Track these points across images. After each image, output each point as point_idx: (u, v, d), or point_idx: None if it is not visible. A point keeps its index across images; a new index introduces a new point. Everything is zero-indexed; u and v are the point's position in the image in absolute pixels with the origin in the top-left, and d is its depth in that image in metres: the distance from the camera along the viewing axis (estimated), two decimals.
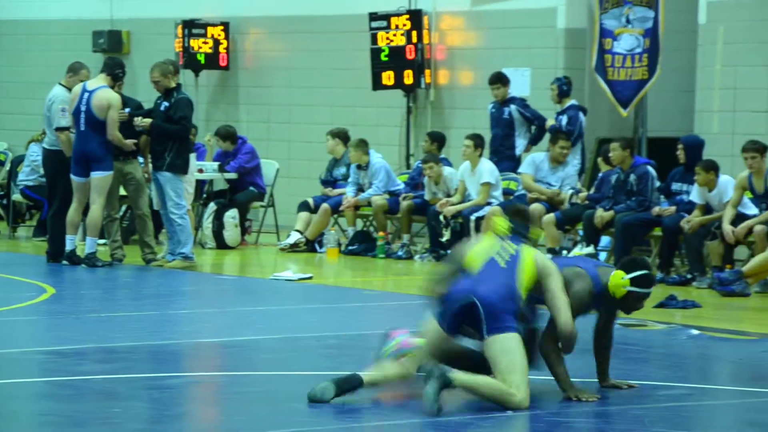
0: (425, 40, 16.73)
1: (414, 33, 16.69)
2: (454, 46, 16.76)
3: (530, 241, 7.48)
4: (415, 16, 16.73)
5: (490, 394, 7.02)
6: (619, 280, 7.28)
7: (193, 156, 14.20)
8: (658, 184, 13.43)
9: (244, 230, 15.98)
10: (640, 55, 14.95)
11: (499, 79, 15.17)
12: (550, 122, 14.80)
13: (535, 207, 13.97)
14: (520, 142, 15.07)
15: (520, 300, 7.14)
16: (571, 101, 14.76)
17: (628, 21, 15.02)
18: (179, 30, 18.34)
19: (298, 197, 16.13)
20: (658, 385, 7.66)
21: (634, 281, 7.27)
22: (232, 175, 16.01)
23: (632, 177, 13.37)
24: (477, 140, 14.58)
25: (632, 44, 15.00)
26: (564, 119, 14.63)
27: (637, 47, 14.97)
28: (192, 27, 18.32)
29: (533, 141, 15.09)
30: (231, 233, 15.62)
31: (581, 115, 14.72)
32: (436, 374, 6.94)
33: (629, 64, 15.00)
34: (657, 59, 14.84)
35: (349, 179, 15.66)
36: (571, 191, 14.12)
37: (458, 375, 7.04)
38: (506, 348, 7.02)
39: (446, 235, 14.53)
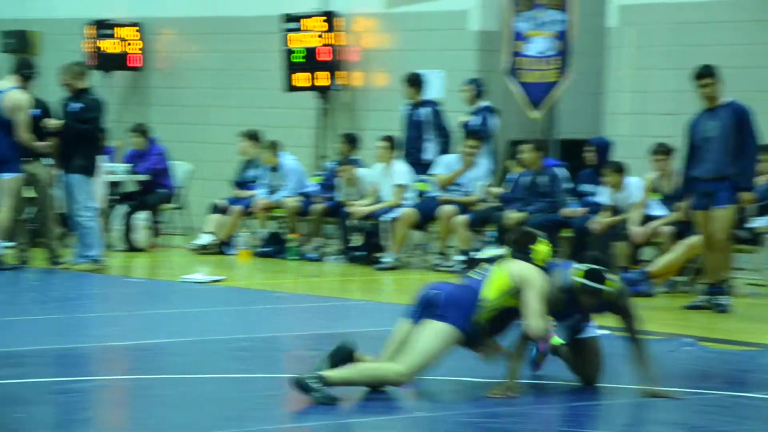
0: (339, 42, 16.74)
1: (327, 34, 16.69)
2: (367, 47, 16.78)
3: (535, 261, 7.56)
4: (329, 18, 16.73)
5: (368, 377, 7.28)
6: (577, 272, 7.39)
7: (103, 158, 14.05)
8: (568, 185, 13.56)
9: (155, 232, 15.86)
10: (551, 57, 15.09)
11: (412, 80, 15.22)
12: (462, 119, 14.83)
13: (447, 209, 14.04)
14: (430, 146, 15.10)
15: (482, 307, 7.34)
16: (483, 102, 14.84)
17: (539, 24, 15.16)
18: (90, 30, 18.17)
19: (210, 199, 16.06)
20: (567, 385, 7.72)
21: (585, 275, 7.36)
22: (143, 177, 15.90)
23: (543, 178, 13.49)
24: (390, 142, 14.62)
25: (544, 47, 15.14)
26: (477, 120, 14.71)
27: (548, 50, 15.11)
28: (103, 27, 18.17)
29: (442, 153, 15.12)
30: (141, 236, 15.50)
31: (494, 116, 14.81)
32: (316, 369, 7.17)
33: (541, 66, 15.13)
34: (568, 62, 14.99)
35: (262, 181, 15.62)
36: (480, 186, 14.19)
37: (331, 374, 7.18)
38: (431, 334, 7.29)
39: (359, 239, 14.56)
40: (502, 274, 7.45)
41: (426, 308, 7.46)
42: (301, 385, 7.13)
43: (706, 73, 10.97)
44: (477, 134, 14.48)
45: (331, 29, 16.68)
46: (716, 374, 8.27)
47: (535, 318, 7.31)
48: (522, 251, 7.60)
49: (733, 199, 10.95)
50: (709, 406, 7.28)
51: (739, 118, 10.91)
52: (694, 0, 14.14)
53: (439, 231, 14.33)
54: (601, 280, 7.36)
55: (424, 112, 15.08)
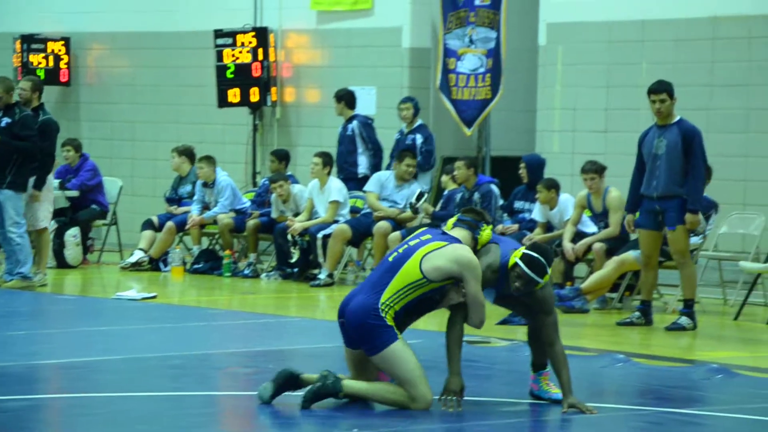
0: (271, 58, 16.71)
1: (260, 50, 16.66)
2: (300, 63, 16.77)
3: (477, 239, 7.47)
4: (261, 34, 16.70)
5: (391, 399, 7.28)
6: (518, 254, 7.38)
7: (51, 175, 13.86)
8: (501, 202, 13.62)
9: (86, 249, 15.72)
10: (483, 74, 15.15)
11: (342, 96, 15.23)
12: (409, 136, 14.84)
13: (381, 225, 14.04)
14: (363, 160, 15.11)
15: (385, 311, 7.27)
16: (419, 121, 14.88)
17: (471, 41, 15.22)
18: (18, 45, 18.00)
19: (142, 215, 15.94)
20: (501, 401, 7.74)
21: (525, 258, 7.34)
22: (74, 193, 15.75)
23: (476, 195, 13.54)
24: (325, 158, 14.60)
25: (475, 64, 15.20)
26: (419, 138, 14.70)
27: (480, 67, 15.17)
28: (31, 42, 18.00)
29: (374, 168, 15.11)
30: (72, 252, 15.35)
31: (431, 134, 14.85)
32: (328, 380, 7.26)
33: (473, 83, 15.19)
34: (500, 79, 15.06)
35: (195, 197, 15.54)
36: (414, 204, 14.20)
37: (349, 383, 7.27)
38: (392, 362, 7.24)
39: (295, 256, 14.52)
40: (441, 257, 7.32)
41: (354, 340, 7.39)
42: (323, 378, 7.25)
43: (662, 89, 10.99)
44: (413, 152, 14.51)
45: (263, 45, 16.65)
46: (649, 390, 8.33)
47: (476, 309, 7.30)
48: (472, 222, 7.51)
49: (682, 219, 10.96)
50: (642, 422, 7.32)
51: (688, 138, 10.92)
52: (622, 19, 14.28)
53: (373, 247, 14.32)
54: (542, 272, 7.36)
55: (353, 126, 15.10)
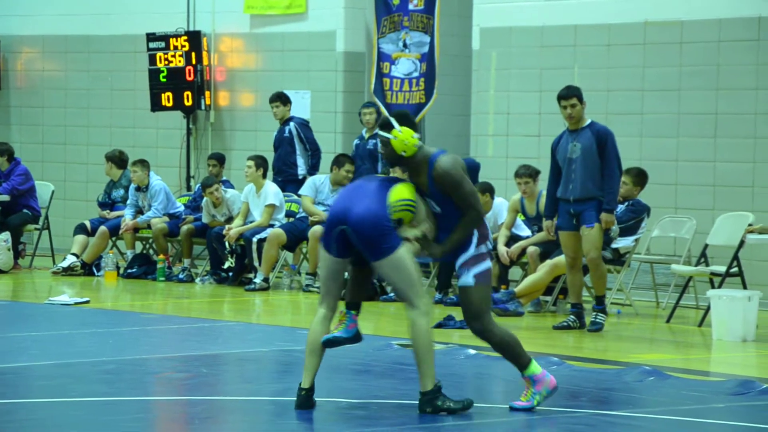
0: (204, 62, 16.65)
1: (193, 54, 16.60)
2: (233, 67, 16.73)
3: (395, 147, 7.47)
4: (194, 38, 16.64)
5: (428, 344, 7.34)
6: (409, 138, 7.41)
7: None
8: None
9: (18, 254, 15.57)
10: (417, 79, 15.20)
11: (279, 98, 15.20)
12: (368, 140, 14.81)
13: (316, 230, 14.03)
14: (301, 162, 15.10)
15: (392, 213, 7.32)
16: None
17: (405, 45, 15.27)
18: None
19: (75, 220, 15.83)
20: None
21: (379, 125, 7.51)
22: (5, 198, 15.59)
23: None
24: (259, 161, 14.56)
25: (409, 68, 15.25)
26: (380, 145, 14.65)
27: (414, 71, 15.22)
28: None
29: (313, 168, 15.10)
30: (3, 257, 15.20)
31: None
32: (435, 405, 7.33)
33: (407, 87, 15.23)
34: (434, 83, 15.12)
35: (128, 201, 15.44)
36: None
37: (426, 379, 7.31)
38: (394, 266, 7.29)
39: (229, 262, 14.48)
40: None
41: (344, 241, 7.38)
42: (439, 411, 7.31)
43: (571, 94, 11.13)
44: (375, 157, 14.50)
45: (196, 49, 16.59)
46: (582, 393, 8.38)
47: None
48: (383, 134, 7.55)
49: (599, 218, 11.12)
50: (575, 424, 7.37)
51: (602, 140, 11.09)
52: (553, 24, 14.38)
53: (309, 251, 14.30)
54: (388, 128, 7.44)
55: (290, 127, 15.08)
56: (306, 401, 7.49)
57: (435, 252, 7.46)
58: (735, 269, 11.69)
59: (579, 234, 11.20)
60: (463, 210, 7.41)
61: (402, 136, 7.43)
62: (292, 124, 15.11)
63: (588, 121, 11.16)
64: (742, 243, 11.53)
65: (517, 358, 7.49)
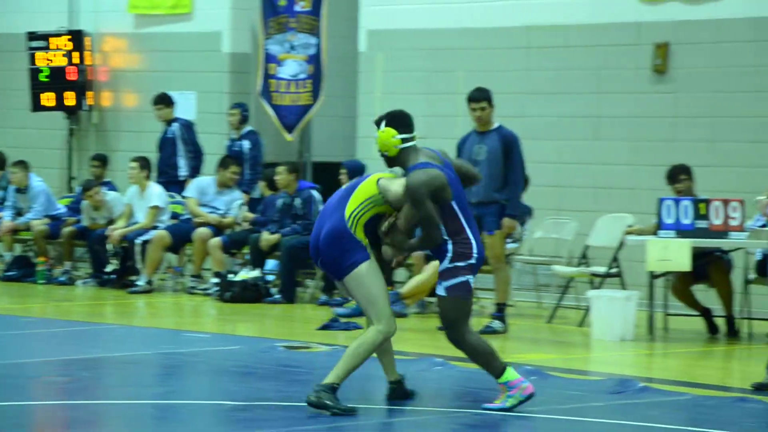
0: (87, 62, 16.49)
1: (75, 54, 16.42)
2: (117, 67, 16.59)
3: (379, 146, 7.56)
4: (76, 37, 16.47)
5: (363, 355, 7.44)
6: (389, 138, 7.49)
7: None
8: (322, 207, 13.66)
9: None
10: (304, 80, 15.22)
11: (162, 100, 15.11)
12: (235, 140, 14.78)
13: (201, 231, 13.98)
14: (183, 163, 15.02)
15: (353, 225, 7.44)
16: (248, 127, 14.83)
17: (292, 47, 15.28)
18: None
19: None
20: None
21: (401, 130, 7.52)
22: None
23: (297, 201, 13.58)
24: (143, 162, 14.46)
25: (296, 70, 15.26)
26: (246, 144, 14.64)
27: (301, 73, 15.24)
28: None
29: (194, 170, 15.04)
30: None
31: (261, 140, 14.82)
32: (322, 398, 7.36)
33: (294, 89, 15.25)
34: (321, 85, 15.16)
35: (7, 203, 15.24)
36: (237, 214, 14.20)
37: (332, 374, 7.40)
38: (357, 283, 7.45)
39: (112, 265, 14.36)
40: (372, 181, 7.55)
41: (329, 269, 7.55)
42: (319, 405, 7.33)
43: (481, 97, 11.17)
44: (240, 158, 14.47)
45: (78, 48, 16.42)
46: (465, 393, 8.47)
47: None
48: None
49: (500, 224, 11.18)
50: (458, 424, 7.45)
51: (508, 145, 11.14)
52: (440, 27, 14.50)
53: (193, 253, 14.24)
54: (377, 126, 7.54)
55: (174, 128, 15.01)
56: (397, 392, 7.70)
57: (398, 242, 7.50)
58: (614, 270, 11.90)
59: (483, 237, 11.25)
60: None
61: (383, 136, 7.51)
62: (175, 125, 15.04)
63: (496, 125, 11.21)
64: (621, 244, 11.74)
65: (490, 366, 7.58)
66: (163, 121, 15.13)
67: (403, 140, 7.52)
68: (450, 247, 7.42)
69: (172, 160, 15.02)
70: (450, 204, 7.43)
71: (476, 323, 11.69)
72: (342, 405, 7.38)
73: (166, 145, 15.05)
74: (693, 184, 11.58)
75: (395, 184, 7.52)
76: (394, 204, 7.51)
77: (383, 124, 7.58)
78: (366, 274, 7.44)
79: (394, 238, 7.51)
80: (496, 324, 11.29)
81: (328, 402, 7.36)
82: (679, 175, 11.56)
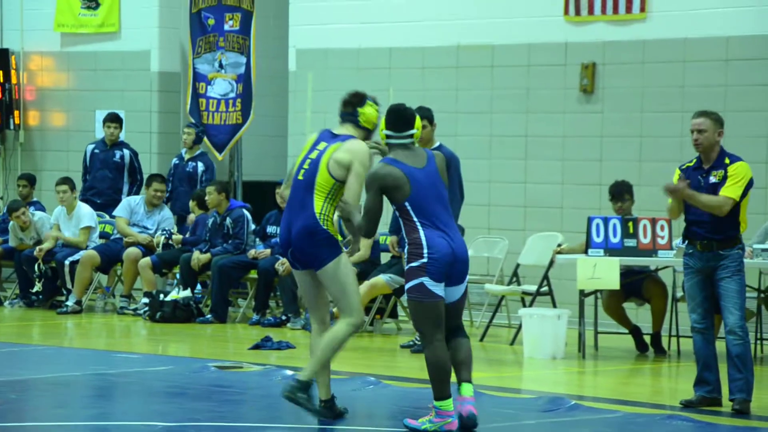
0: (13, 80, 16.35)
1: (0, 73, 16.28)
2: (44, 86, 16.46)
3: (362, 123, 7.74)
4: (2, 56, 16.33)
5: (336, 348, 7.62)
6: (371, 118, 7.71)
7: None
8: (253, 227, 13.65)
9: None
10: (234, 99, 15.20)
11: (117, 119, 15.01)
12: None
13: (131, 251, 13.88)
14: (126, 189, 14.93)
15: (324, 222, 7.57)
16: (200, 149, 14.69)
17: (221, 66, 15.25)
18: None
19: None
20: (253, 426, 7.76)
21: (387, 127, 7.59)
22: None
23: (228, 220, 13.53)
24: (71, 184, 14.36)
25: (226, 89, 15.24)
26: (200, 166, 14.50)
27: (230, 92, 15.21)
28: None
29: (137, 190, 14.96)
30: None
31: (212, 162, 14.71)
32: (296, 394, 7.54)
33: (223, 108, 15.22)
34: (250, 104, 15.14)
35: None
36: (164, 234, 14.11)
37: (305, 371, 7.57)
38: (329, 277, 7.60)
39: (38, 286, 14.20)
40: (325, 162, 7.62)
41: (303, 262, 7.65)
42: (292, 400, 7.51)
43: (422, 116, 11.17)
44: (194, 179, 14.35)
45: (4, 67, 16.27)
46: (398, 411, 8.46)
47: (352, 194, 7.54)
48: (350, 113, 7.78)
49: None
50: None
51: (447, 163, 11.12)
52: (370, 46, 14.54)
53: (123, 273, 14.14)
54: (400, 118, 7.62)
55: (123, 153, 14.90)
56: (328, 411, 7.73)
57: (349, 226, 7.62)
58: (545, 288, 11.97)
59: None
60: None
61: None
62: (126, 151, 14.88)
63: (437, 143, 11.24)
64: (551, 263, 11.81)
65: (437, 385, 7.47)
66: (110, 140, 14.95)
67: (388, 137, 7.65)
68: (406, 249, 7.52)
69: (116, 185, 14.89)
70: (403, 204, 7.49)
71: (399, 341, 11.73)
72: (312, 404, 7.58)
73: (109, 167, 14.86)
74: (633, 203, 11.70)
75: (350, 179, 7.61)
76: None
77: (366, 101, 7.85)
78: (340, 267, 7.60)
79: (346, 223, 7.64)
80: None
81: (301, 398, 7.54)
82: (624, 194, 11.68)
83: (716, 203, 8.53)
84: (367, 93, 7.94)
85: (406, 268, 7.54)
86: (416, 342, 11.38)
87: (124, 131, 15.62)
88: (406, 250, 7.53)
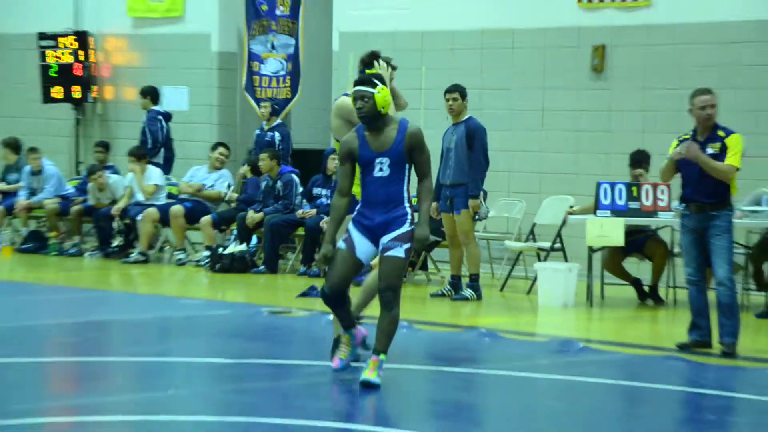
0: (91, 59, 16.45)
1: (80, 52, 16.38)
2: (118, 64, 16.55)
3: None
4: (81, 37, 16.42)
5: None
6: (388, 95, 7.00)
7: None
8: (301, 189, 13.72)
9: None
10: (284, 77, 15.23)
11: (148, 92, 15.08)
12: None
13: (174, 208, 13.99)
14: (156, 151, 14.96)
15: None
16: (277, 120, 14.69)
17: (273, 47, 15.27)
18: None
19: None
20: (301, 364, 7.85)
21: (356, 82, 7.09)
22: None
23: (279, 183, 13.61)
24: (138, 154, 14.46)
25: (277, 67, 15.26)
26: (277, 136, 14.52)
27: (281, 70, 15.24)
28: None
29: (167, 158, 15.01)
30: None
31: (288, 132, 14.70)
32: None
33: (275, 84, 15.25)
34: (298, 81, 15.17)
35: (23, 184, 15.23)
36: (225, 192, 14.21)
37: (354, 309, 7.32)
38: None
39: (117, 240, 14.37)
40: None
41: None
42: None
43: (454, 89, 11.26)
44: (272, 147, 14.33)
45: (83, 47, 16.37)
46: (429, 353, 8.54)
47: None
48: (361, 72, 7.47)
49: (466, 204, 11.26)
50: (422, 380, 7.51)
51: (471, 134, 11.20)
52: (404, 30, 14.54)
53: (172, 228, 14.21)
54: (371, 84, 6.96)
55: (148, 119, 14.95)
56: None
57: (424, 233, 6.96)
58: (558, 245, 12.00)
59: (454, 215, 11.35)
60: (422, 175, 6.98)
61: (384, 93, 7.01)
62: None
63: (467, 116, 11.29)
64: (564, 222, 11.83)
65: (387, 339, 7.06)
66: (144, 108, 15.05)
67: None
68: (409, 210, 6.99)
69: (153, 151, 14.95)
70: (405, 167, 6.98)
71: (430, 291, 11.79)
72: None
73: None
74: (648, 171, 11.69)
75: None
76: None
77: (379, 83, 7.09)
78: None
79: (422, 232, 7.11)
80: (468, 292, 11.39)
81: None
82: (642, 162, 11.67)
83: (724, 169, 8.52)
84: (381, 53, 7.61)
85: (408, 228, 6.94)
86: (445, 292, 11.46)
87: (187, 104, 15.71)
88: (409, 212, 6.99)
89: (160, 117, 14.94)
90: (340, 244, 6.99)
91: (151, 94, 15.04)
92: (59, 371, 7.70)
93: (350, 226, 7.03)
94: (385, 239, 6.96)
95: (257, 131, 14.80)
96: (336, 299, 7.07)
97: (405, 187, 7.01)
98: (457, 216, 11.25)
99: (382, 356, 6.99)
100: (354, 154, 7.03)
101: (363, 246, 6.99)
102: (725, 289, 8.58)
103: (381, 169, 6.97)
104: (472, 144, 11.20)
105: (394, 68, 7.83)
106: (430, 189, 7.07)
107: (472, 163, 11.19)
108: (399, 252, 6.93)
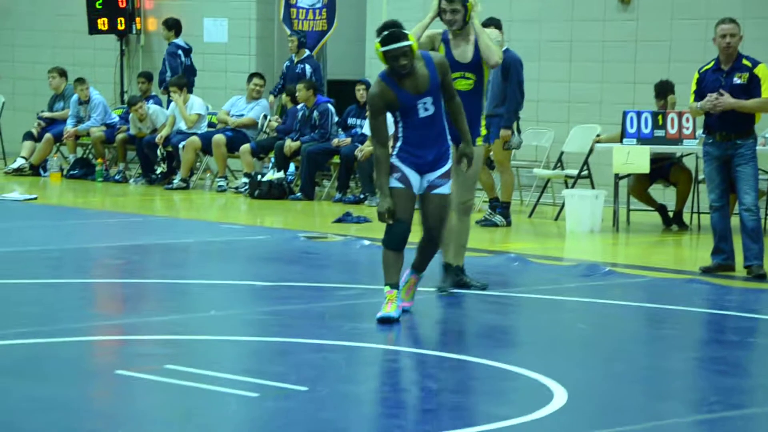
0: None
1: None
2: None
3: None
4: None
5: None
6: (377, 46, 6.74)
7: None
8: (336, 119, 13.59)
9: None
10: (320, 9, 15.04)
11: (172, 25, 14.96)
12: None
13: (217, 137, 13.90)
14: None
15: None
16: (306, 52, 14.49)
17: None
18: None
19: (23, 128, 15.52)
20: (336, 287, 7.80)
21: (382, 43, 6.69)
22: None
23: (315, 113, 13.47)
24: (179, 84, 14.33)
25: (313, 0, 15.07)
26: (308, 68, 14.32)
27: (317, 2, 15.05)
28: None
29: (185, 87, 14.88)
30: None
31: (319, 64, 14.53)
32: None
33: (311, 17, 15.06)
34: (334, 13, 14.97)
35: (70, 112, 15.19)
36: (267, 120, 14.11)
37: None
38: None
39: (161, 168, 14.32)
40: None
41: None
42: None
43: (489, 23, 11.00)
44: (304, 78, 14.10)
45: None
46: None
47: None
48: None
49: (499, 135, 11.13)
50: (453, 302, 7.45)
51: (506, 66, 10.97)
52: None
53: (214, 157, 14.15)
54: (394, 39, 6.62)
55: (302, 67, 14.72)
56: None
57: (470, 151, 6.96)
58: (585, 172, 11.84)
59: (488, 146, 11.18)
60: (452, 95, 6.82)
61: (412, 38, 6.72)
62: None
63: (505, 47, 11.07)
64: (591, 151, 11.67)
65: (428, 259, 7.05)
66: (165, 39, 14.90)
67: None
68: (450, 143, 6.92)
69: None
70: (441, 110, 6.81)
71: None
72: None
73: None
74: (674, 101, 11.48)
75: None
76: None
77: (407, 32, 6.71)
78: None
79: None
80: (498, 219, 11.29)
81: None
82: (667, 92, 11.45)
83: (760, 107, 8.41)
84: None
85: (450, 166, 6.84)
86: (487, 218, 11.35)
87: (226, 35, 15.55)
88: (452, 152, 6.89)
89: (180, 51, 14.80)
90: (393, 182, 6.79)
91: (175, 26, 14.90)
92: (105, 292, 7.70)
93: (398, 162, 6.81)
94: (432, 176, 6.84)
95: (286, 62, 14.61)
96: (406, 236, 6.81)
97: (445, 118, 6.88)
98: (492, 145, 11.09)
99: (419, 275, 7.03)
100: (393, 104, 6.77)
101: (415, 180, 6.83)
102: (751, 215, 8.45)
103: (426, 109, 6.77)
104: (508, 76, 11.02)
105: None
106: (461, 104, 6.93)
107: (508, 95, 11.02)
108: (445, 189, 6.85)
